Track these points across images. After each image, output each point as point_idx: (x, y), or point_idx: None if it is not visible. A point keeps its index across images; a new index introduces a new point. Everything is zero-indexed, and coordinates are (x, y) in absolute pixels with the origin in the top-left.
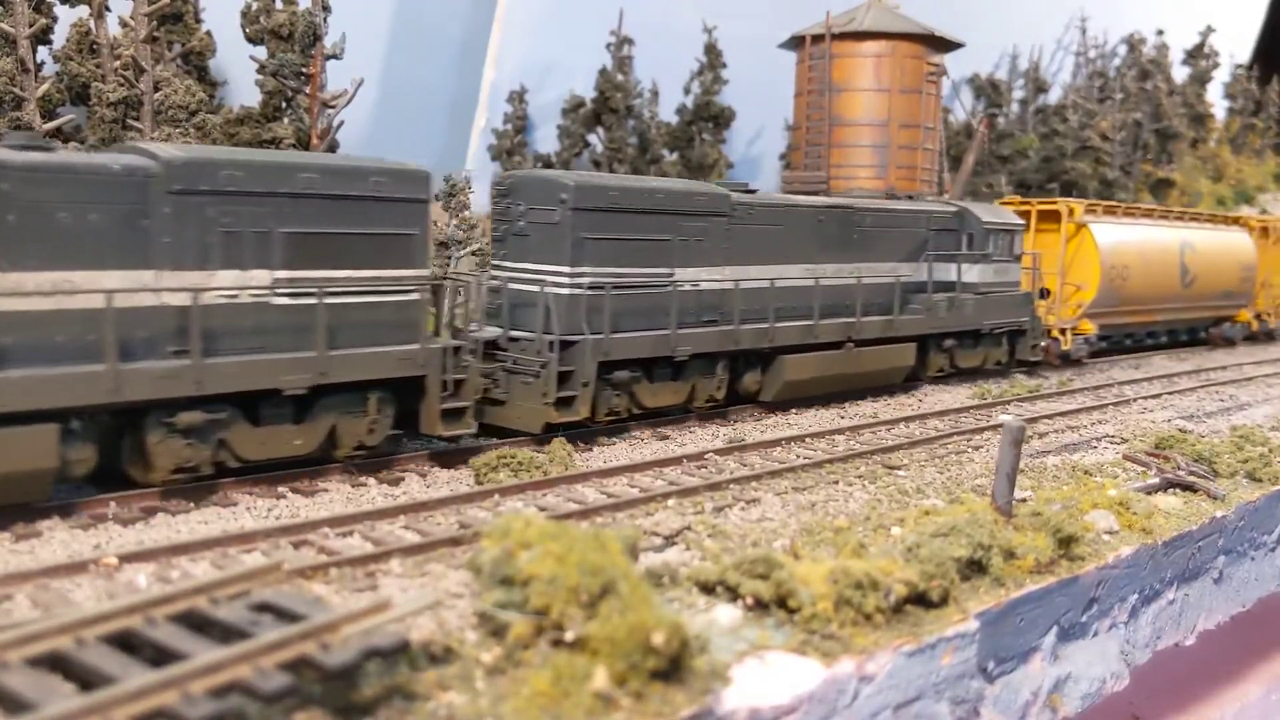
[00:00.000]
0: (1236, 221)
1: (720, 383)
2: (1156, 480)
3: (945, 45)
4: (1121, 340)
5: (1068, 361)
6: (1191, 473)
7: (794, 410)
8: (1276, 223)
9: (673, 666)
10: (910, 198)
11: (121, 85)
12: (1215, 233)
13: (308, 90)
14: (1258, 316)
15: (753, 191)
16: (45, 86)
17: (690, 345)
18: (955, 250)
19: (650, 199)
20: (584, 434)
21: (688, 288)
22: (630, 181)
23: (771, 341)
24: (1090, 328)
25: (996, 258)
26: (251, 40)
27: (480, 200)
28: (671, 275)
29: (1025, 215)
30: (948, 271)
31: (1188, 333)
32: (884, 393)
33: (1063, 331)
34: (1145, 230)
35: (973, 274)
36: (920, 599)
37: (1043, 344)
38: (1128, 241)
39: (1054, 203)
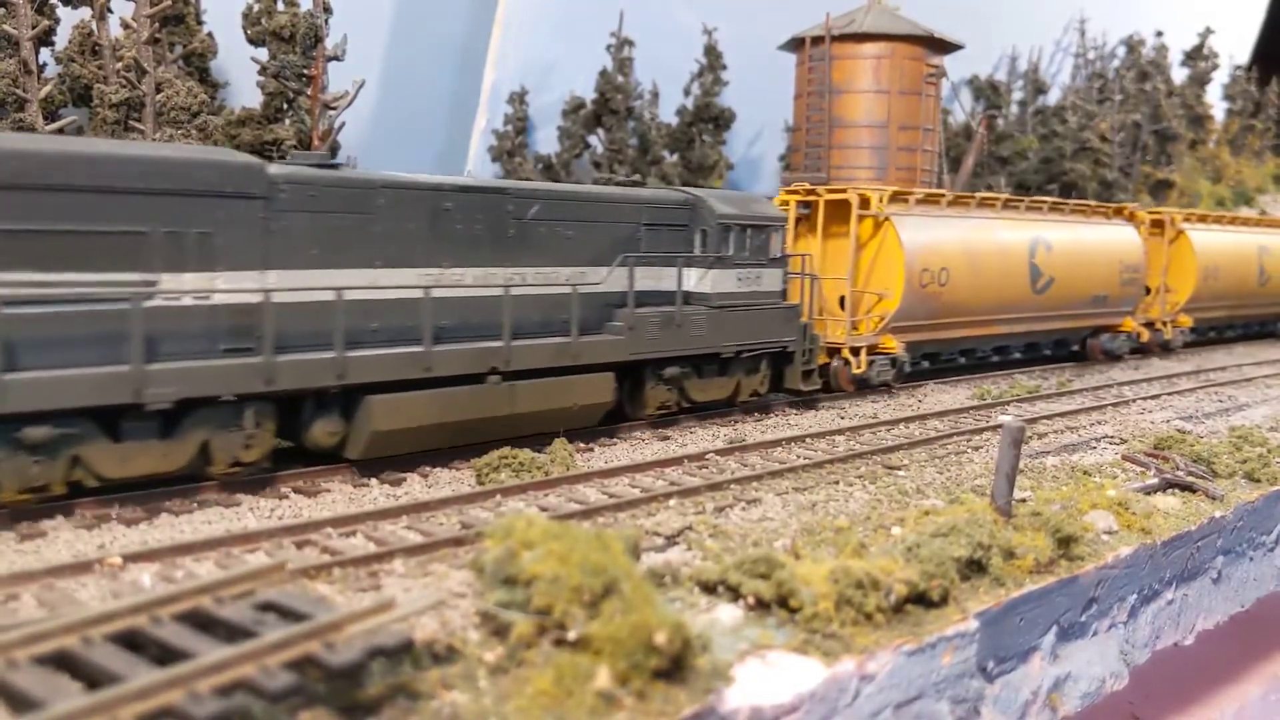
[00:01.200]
0: (1120, 213)
1: (252, 438)
2: (1155, 481)
3: (945, 47)
4: (954, 357)
5: (864, 388)
6: (1190, 473)
7: (794, 411)
8: (1176, 216)
9: (675, 666)
10: (636, 184)
11: (124, 87)
12: (1085, 228)
13: (309, 92)
14: (1149, 325)
15: (334, 166)
16: (48, 88)
17: (177, 386)
18: (679, 251)
19: (100, 172)
20: (584, 434)
21: (183, 302)
22: (55, 146)
23: (343, 377)
24: (894, 345)
25: (743, 260)
26: (253, 42)
27: None
28: (152, 284)
29: (812, 207)
30: (665, 278)
31: (1053, 345)
32: (884, 393)
33: (855, 352)
34: (975, 225)
35: (706, 281)
36: (920, 599)
37: (839, 366)
38: (947, 239)
39: (843, 191)
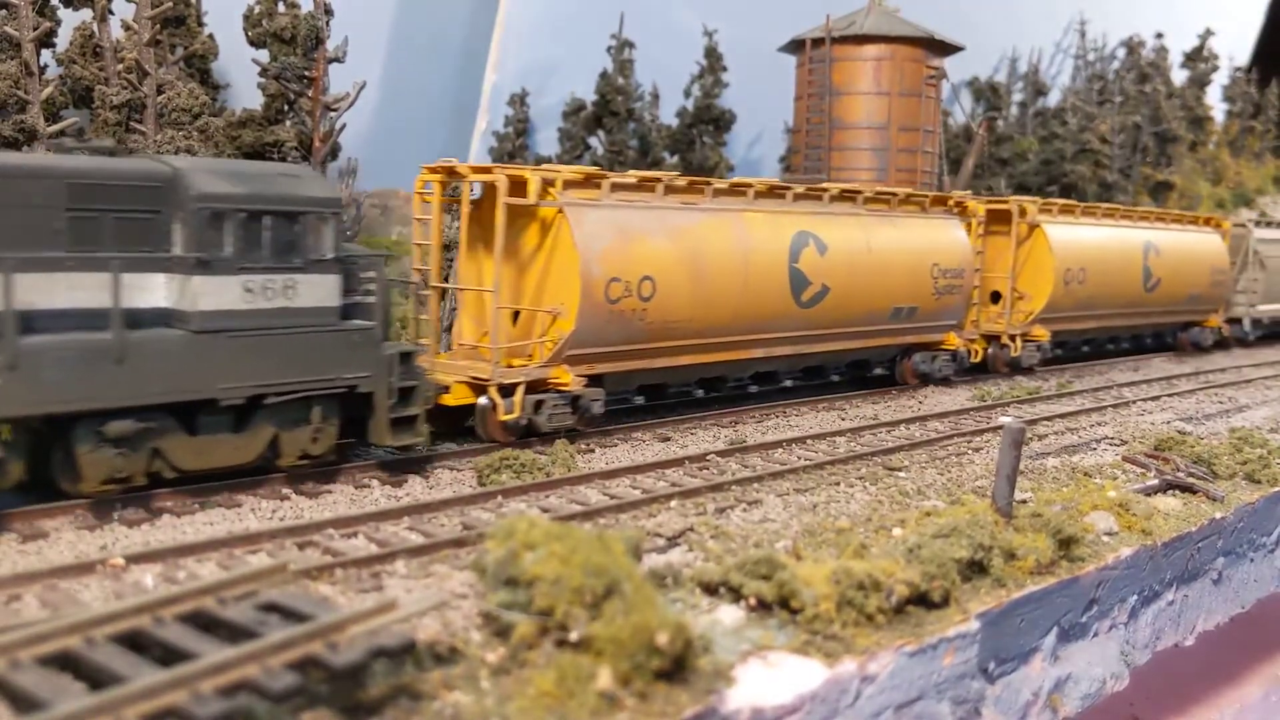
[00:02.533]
0: (942, 204)
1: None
2: (1156, 482)
3: (945, 48)
4: (662, 390)
5: (522, 439)
6: (1191, 474)
7: (794, 412)
8: (1029, 207)
9: (676, 666)
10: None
11: (125, 88)
12: (885, 223)
13: (310, 93)
14: (994, 340)
15: None
16: (49, 90)
17: None
18: (140, 248)
19: None
20: (584, 435)
21: None
22: None
23: None
24: (567, 376)
25: (257, 263)
26: (254, 43)
27: None
28: None
29: (521, 190)
30: (96, 290)
31: (844, 369)
32: (883, 393)
33: (507, 391)
34: (706, 219)
35: (187, 293)
36: (921, 600)
37: (485, 407)
38: (657, 236)
39: (522, 175)
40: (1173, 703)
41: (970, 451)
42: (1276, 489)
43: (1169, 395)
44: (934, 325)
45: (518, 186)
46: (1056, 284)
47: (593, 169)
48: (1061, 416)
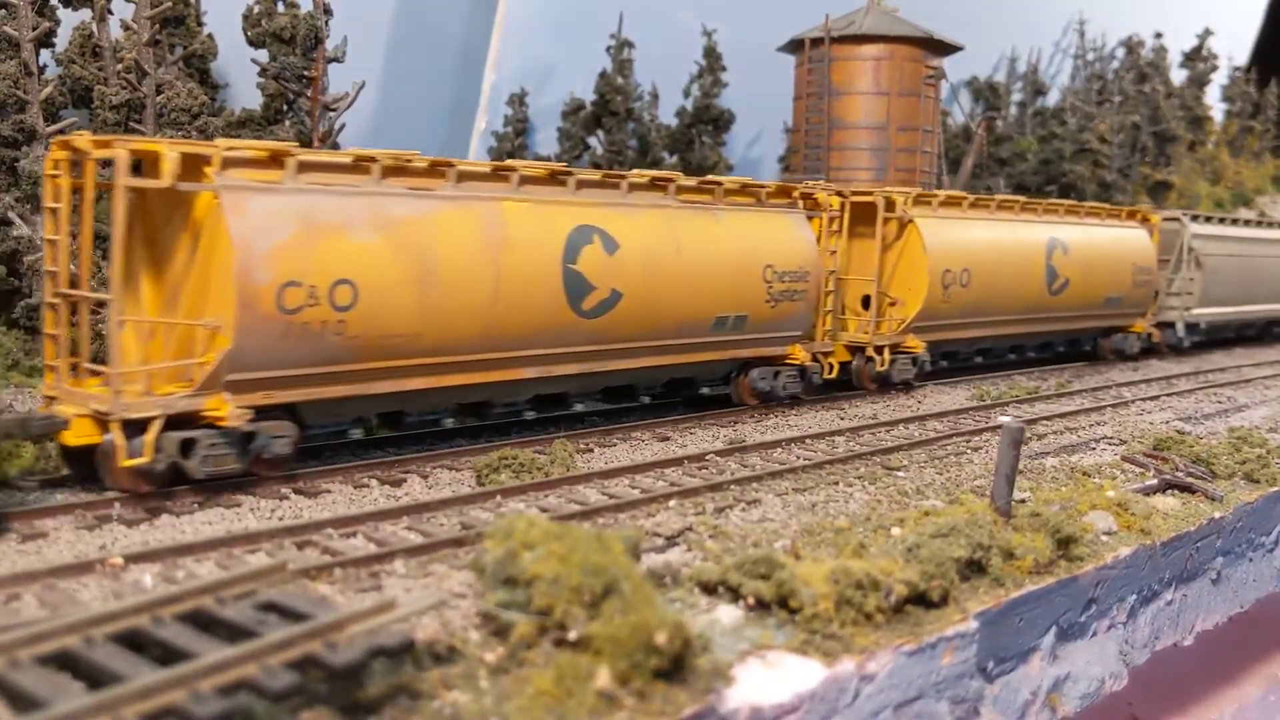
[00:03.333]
0: (784, 195)
1: None
2: (1155, 481)
3: (944, 48)
4: (366, 423)
5: (166, 488)
6: (1190, 474)
7: (794, 412)
8: (897, 198)
9: (675, 666)
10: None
11: (124, 88)
12: (697, 217)
13: (309, 93)
14: (859, 352)
15: None
16: (48, 90)
17: None
18: None
19: None
20: (584, 435)
21: None
22: None
23: None
24: (224, 408)
25: None
26: (253, 43)
27: None
28: None
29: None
30: None
31: (659, 390)
32: (882, 393)
33: (134, 429)
34: (429, 209)
35: None
36: (920, 599)
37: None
38: (350, 227)
39: (155, 149)
40: (1171, 702)
41: (969, 451)
42: (1275, 489)
43: (1168, 395)
44: (771, 337)
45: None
46: (932, 288)
47: (277, 144)
48: (1060, 416)
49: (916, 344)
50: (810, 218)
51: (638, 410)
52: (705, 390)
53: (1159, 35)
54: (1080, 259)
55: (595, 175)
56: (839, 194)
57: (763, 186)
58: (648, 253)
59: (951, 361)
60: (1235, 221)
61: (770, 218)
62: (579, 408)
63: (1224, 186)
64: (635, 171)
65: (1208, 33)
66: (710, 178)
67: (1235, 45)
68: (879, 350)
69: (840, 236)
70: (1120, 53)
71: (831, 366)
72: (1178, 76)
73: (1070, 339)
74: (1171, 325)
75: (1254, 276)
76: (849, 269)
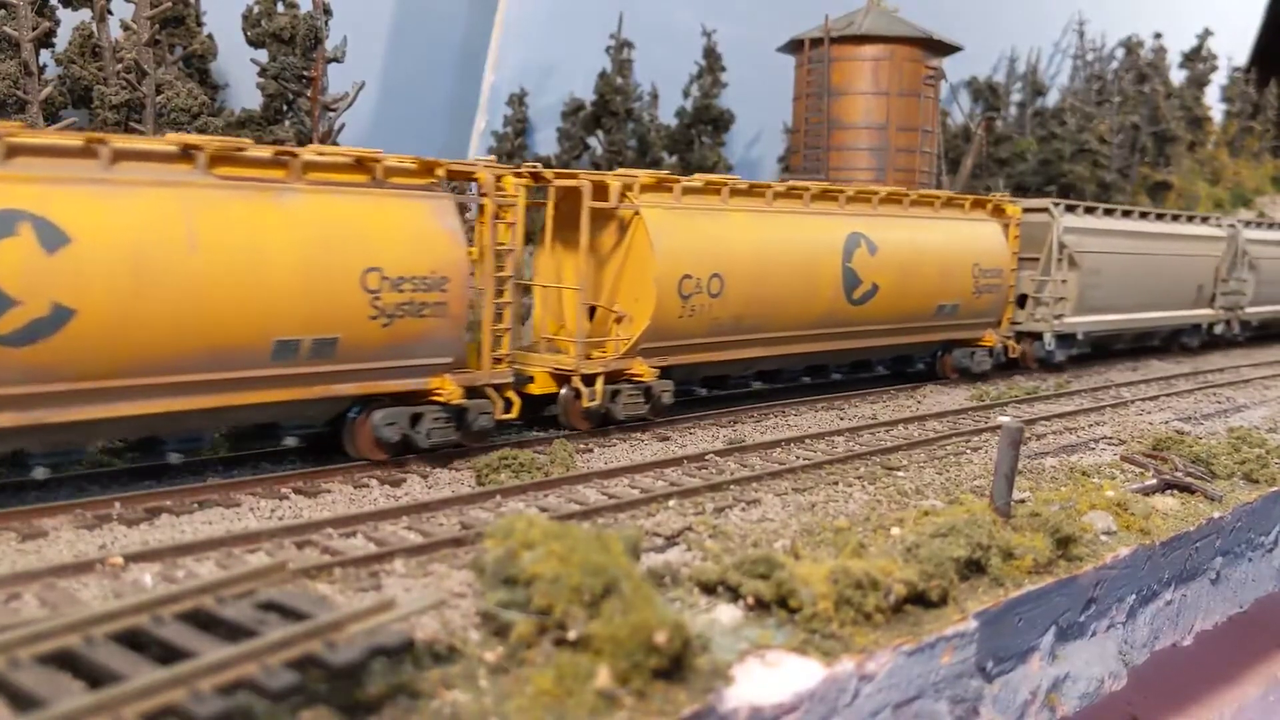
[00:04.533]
0: (427, 174)
1: None
2: (1154, 481)
3: (944, 49)
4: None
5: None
6: (1189, 474)
7: (793, 411)
8: (613, 182)
9: (675, 665)
10: None
11: (124, 88)
12: (293, 202)
13: (309, 93)
14: (565, 381)
15: None
16: (48, 90)
17: None
18: None
19: None
20: (583, 435)
21: None
22: None
23: None
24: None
25: None
26: (253, 43)
27: None
28: None
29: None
30: None
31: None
32: (881, 393)
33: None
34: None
35: None
36: (920, 599)
37: None
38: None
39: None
40: (1171, 702)
41: (969, 451)
42: (1275, 489)
43: (1167, 395)
44: (386, 368)
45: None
46: (664, 298)
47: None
48: (1060, 416)
49: (645, 370)
50: (455, 205)
51: None
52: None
53: (1158, 35)
54: (895, 260)
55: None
56: (519, 174)
57: (370, 159)
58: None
59: (719, 388)
60: (1124, 213)
61: (380, 203)
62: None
63: (1223, 187)
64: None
65: (1207, 33)
66: (278, 148)
67: (1235, 46)
68: (589, 380)
69: (529, 228)
70: (1120, 53)
71: (510, 403)
72: (1177, 77)
73: (897, 356)
74: (1039, 337)
75: (1148, 278)
76: (560, 274)
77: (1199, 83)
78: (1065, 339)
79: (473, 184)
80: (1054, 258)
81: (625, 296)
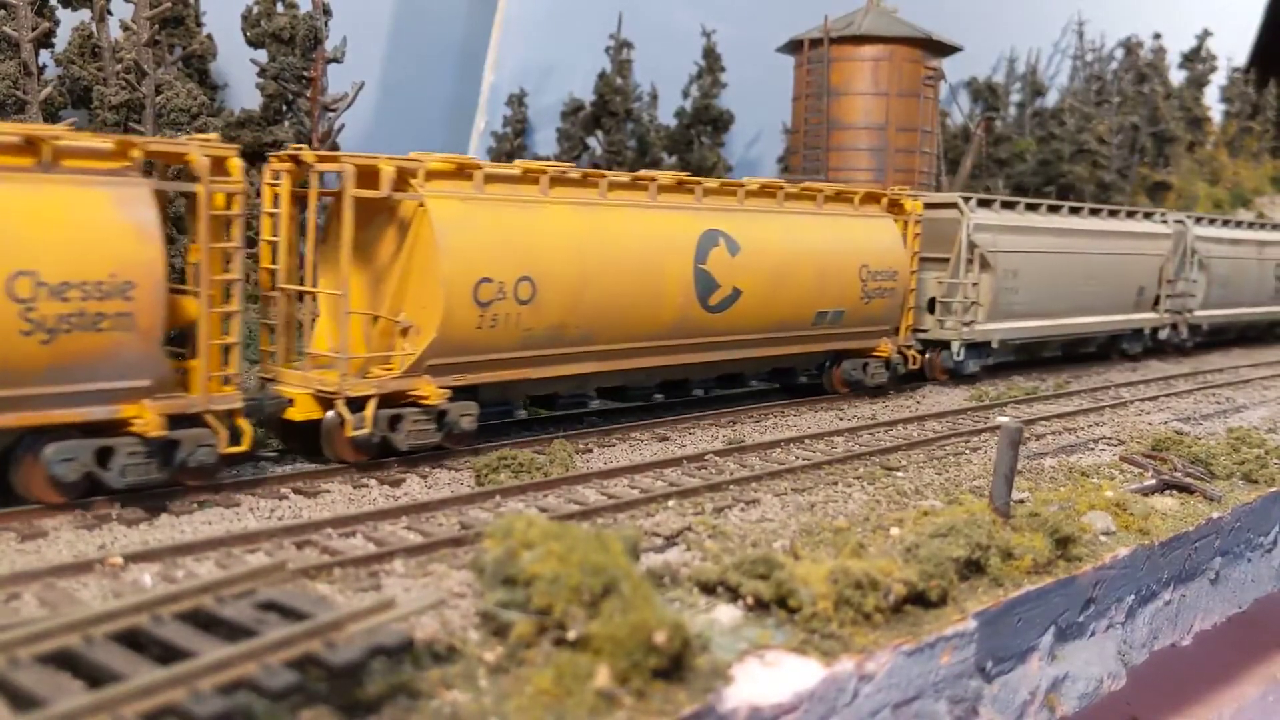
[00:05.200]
0: (124, 156)
1: None
2: (1153, 482)
3: (943, 49)
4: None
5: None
6: (1188, 474)
7: (793, 412)
8: (385, 165)
9: (674, 665)
10: None
11: (123, 89)
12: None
13: (308, 93)
14: (328, 404)
15: None
16: (48, 90)
17: None
18: None
19: None
20: (583, 435)
21: None
22: None
23: None
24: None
25: None
26: (252, 44)
27: None
28: None
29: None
30: None
31: None
32: (881, 395)
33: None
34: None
35: None
36: (919, 599)
37: None
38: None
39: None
40: (1170, 702)
41: (968, 451)
42: (1274, 489)
43: (1167, 395)
44: (48, 395)
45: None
46: (453, 306)
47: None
48: (1059, 416)
49: (431, 391)
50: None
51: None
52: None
53: (1158, 36)
54: (762, 261)
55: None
56: (277, 156)
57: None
58: None
59: (550, 408)
60: (1050, 209)
61: (47, 189)
62: None
63: (1223, 187)
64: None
65: (1206, 34)
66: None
67: (1234, 46)
68: (356, 404)
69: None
70: (1119, 53)
71: (237, 434)
72: (1176, 77)
73: (776, 369)
74: (947, 346)
75: (1077, 280)
76: (322, 276)
77: (1198, 83)
78: (977, 348)
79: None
80: (963, 258)
81: (412, 304)
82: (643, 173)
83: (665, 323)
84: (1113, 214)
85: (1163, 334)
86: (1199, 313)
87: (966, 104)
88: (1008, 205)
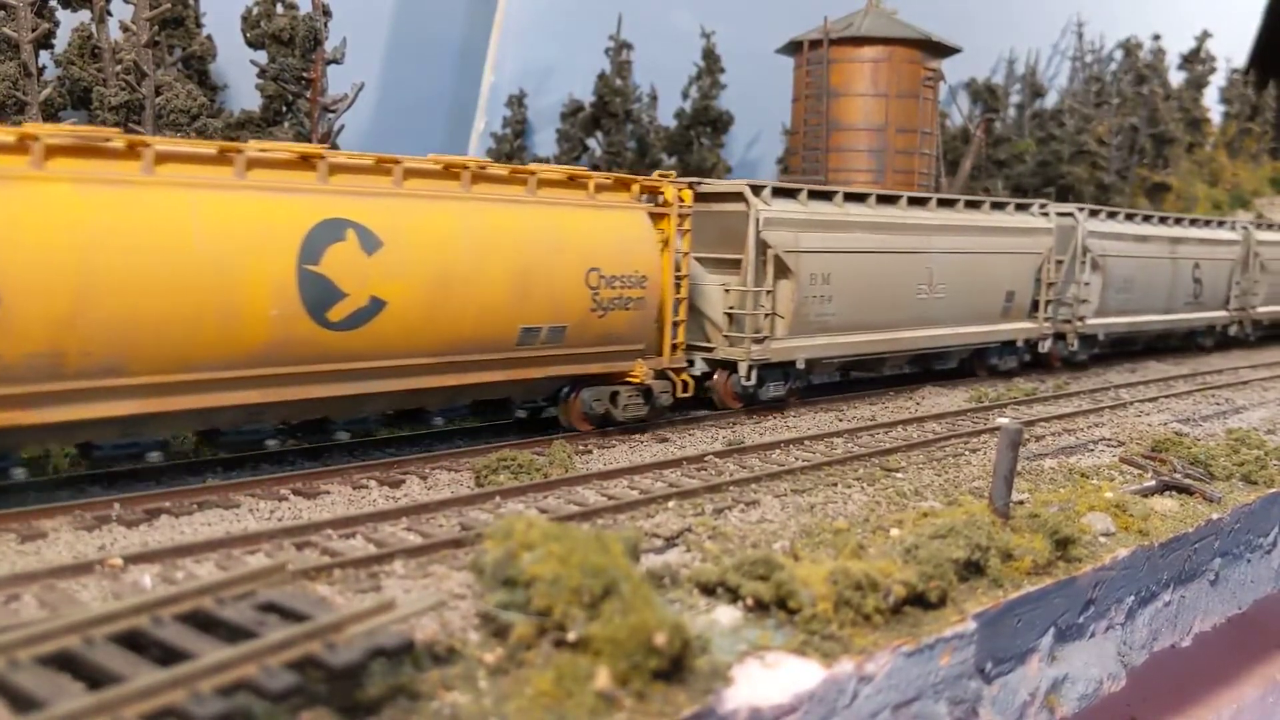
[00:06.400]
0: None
1: None
2: (1153, 483)
3: (942, 50)
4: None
5: None
6: (1188, 475)
7: (793, 413)
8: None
9: (674, 667)
10: None
11: (123, 89)
12: None
13: (308, 94)
14: None
15: None
16: (47, 91)
17: None
18: None
19: None
20: (583, 436)
21: None
22: None
23: None
24: None
25: None
26: (252, 45)
27: None
28: None
29: None
30: None
31: None
32: (879, 394)
33: None
34: None
35: None
36: (919, 600)
37: None
38: None
39: None
40: (1170, 704)
41: (967, 452)
42: (1273, 490)
43: (1166, 396)
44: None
45: None
46: None
47: None
48: (1059, 418)
49: None
50: None
51: None
52: None
53: (1157, 37)
54: (419, 262)
55: None
56: None
57: None
58: None
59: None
60: (882, 199)
61: None
62: None
63: (1222, 189)
64: None
65: (1206, 35)
66: None
67: (1234, 47)
68: None
69: None
70: (1118, 55)
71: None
72: (1176, 78)
73: (480, 401)
74: (732, 368)
75: (911, 285)
76: None
77: (1198, 84)
78: (776, 369)
79: None
80: (753, 261)
81: None
82: (226, 143)
83: (251, 346)
84: (972, 206)
85: (1044, 346)
86: (1093, 321)
87: (966, 105)
88: (821, 195)
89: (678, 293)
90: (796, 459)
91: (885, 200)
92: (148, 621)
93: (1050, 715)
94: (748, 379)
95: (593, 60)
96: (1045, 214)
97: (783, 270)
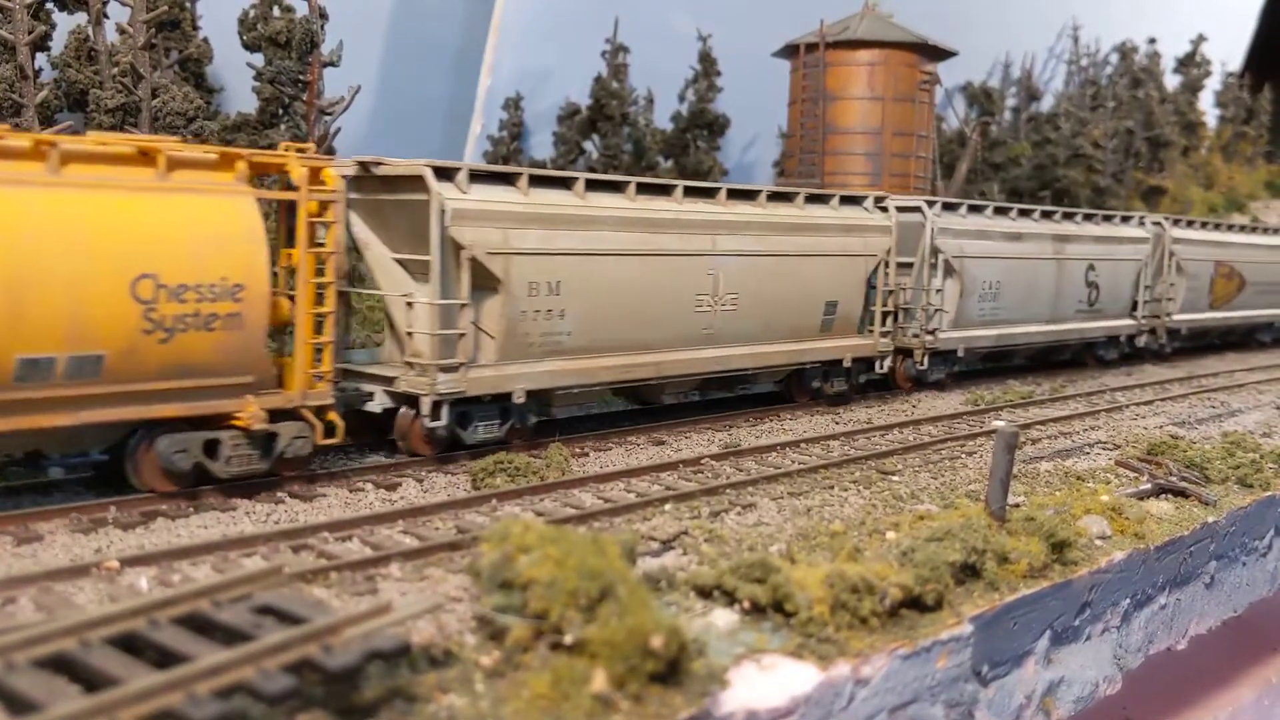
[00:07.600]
0: None
1: None
2: (1149, 486)
3: (938, 54)
4: None
5: None
6: (1183, 478)
7: (788, 416)
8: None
9: (671, 669)
10: None
11: (120, 92)
12: None
13: (305, 97)
14: None
15: None
16: (44, 93)
17: None
18: None
19: None
20: (580, 438)
21: None
22: None
23: None
24: None
25: None
26: (249, 47)
27: None
28: None
29: None
30: None
31: None
32: (878, 396)
33: None
34: None
35: None
36: (915, 603)
37: None
38: None
39: None
40: (1166, 706)
41: (964, 455)
42: (1269, 493)
43: (1162, 400)
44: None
45: None
46: None
47: None
48: (1055, 421)
49: None
50: None
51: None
52: None
53: (1152, 41)
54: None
55: None
56: None
57: None
58: None
59: None
60: (639, 189)
61: None
62: None
63: (1217, 192)
64: None
65: (1201, 39)
66: None
67: (1229, 51)
68: None
69: None
70: (1114, 58)
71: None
72: (1171, 82)
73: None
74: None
75: (688, 297)
76: None
77: (1193, 88)
78: (489, 404)
79: None
80: (438, 265)
81: None
82: None
83: None
84: (779, 199)
85: (883, 365)
86: (949, 334)
87: (962, 108)
88: (546, 182)
89: (320, 305)
90: (793, 462)
91: (652, 190)
92: (144, 624)
93: (1046, 718)
94: (434, 418)
95: (589, 63)
96: (883, 209)
97: (485, 277)
